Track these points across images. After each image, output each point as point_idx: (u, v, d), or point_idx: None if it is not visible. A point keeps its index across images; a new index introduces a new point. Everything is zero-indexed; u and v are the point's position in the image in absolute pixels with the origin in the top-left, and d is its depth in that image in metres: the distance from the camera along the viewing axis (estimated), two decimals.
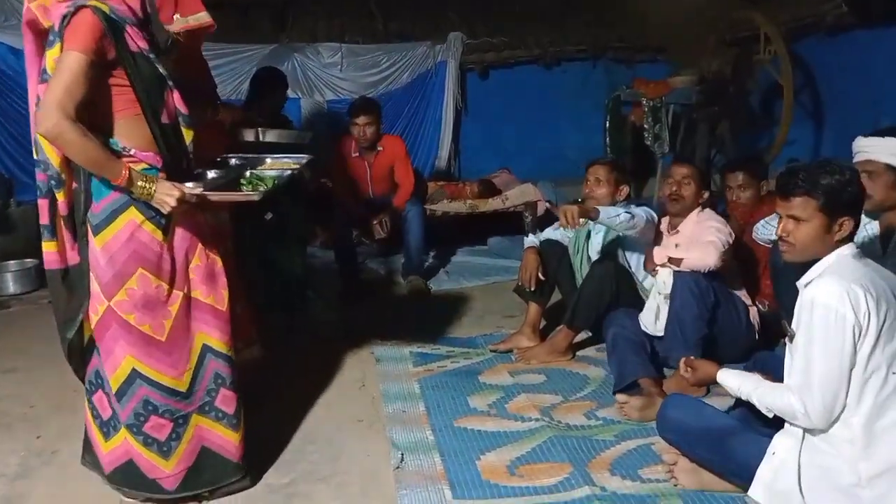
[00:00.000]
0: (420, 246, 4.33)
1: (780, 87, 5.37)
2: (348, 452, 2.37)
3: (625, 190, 3.19)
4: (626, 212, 2.83)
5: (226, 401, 2.10)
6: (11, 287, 4.42)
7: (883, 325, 1.67)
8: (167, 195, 1.84)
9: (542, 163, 6.63)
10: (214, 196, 1.95)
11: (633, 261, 3.09)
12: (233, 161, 2.36)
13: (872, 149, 2.29)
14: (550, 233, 3.37)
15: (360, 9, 6.59)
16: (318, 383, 2.95)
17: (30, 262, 4.50)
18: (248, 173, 2.24)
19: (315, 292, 4.09)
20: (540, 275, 3.18)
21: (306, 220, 4.34)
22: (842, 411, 1.71)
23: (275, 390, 2.86)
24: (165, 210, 1.87)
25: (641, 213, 2.92)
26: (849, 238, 1.80)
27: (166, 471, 2.02)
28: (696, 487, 2.03)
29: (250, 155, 2.42)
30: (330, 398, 2.81)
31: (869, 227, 2.44)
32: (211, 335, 2.07)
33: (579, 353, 3.18)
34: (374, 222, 4.41)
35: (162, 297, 1.97)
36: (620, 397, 2.57)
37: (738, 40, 5.93)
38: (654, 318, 2.80)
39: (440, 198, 5.14)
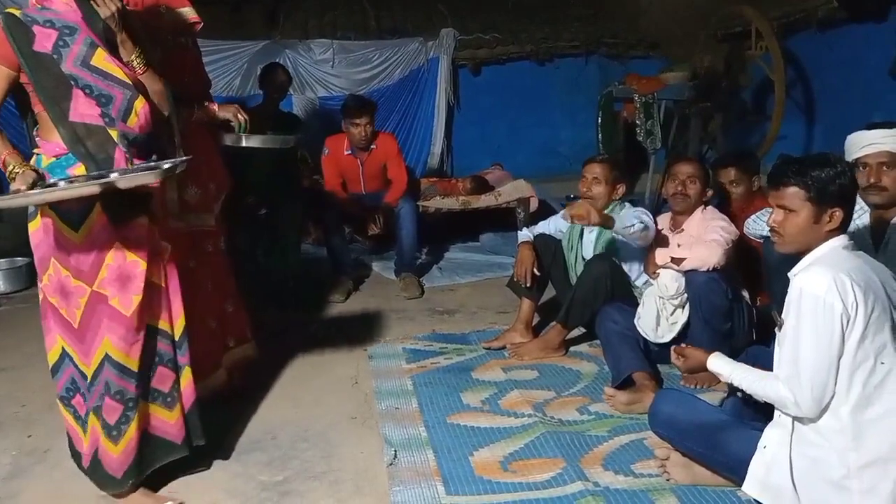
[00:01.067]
0: (413, 243, 4.32)
1: (772, 83, 5.38)
2: (341, 450, 2.37)
3: (621, 189, 3.19)
4: (640, 222, 2.82)
5: (108, 410, 2.04)
6: (2, 286, 4.40)
7: (871, 316, 1.68)
8: (16, 183, 1.92)
9: (535, 159, 6.64)
10: (45, 197, 1.92)
11: (626, 259, 3.09)
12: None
13: (886, 140, 2.29)
14: (543, 227, 3.37)
15: (351, 5, 6.58)
16: (311, 381, 2.95)
17: (20, 260, 4.48)
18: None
19: (308, 290, 4.09)
20: (535, 270, 3.18)
21: (300, 218, 4.34)
22: (830, 400, 1.71)
23: (267, 388, 2.85)
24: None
25: (650, 221, 2.92)
26: (840, 229, 1.81)
27: (114, 455, 2.04)
28: (688, 482, 2.04)
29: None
30: (323, 395, 2.80)
31: (860, 220, 2.45)
32: (110, 339, 2.03)
33: (572, 348, 3.18)
34: (367, 219, 4.41)
35: (69, 287, 2.02)
36: (608, 390, 2.58)
37: (729, 36, 5.94)
38: (654, 325, 2.78)
39: (432, 194, 5.14)
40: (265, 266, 4.13)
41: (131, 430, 2.05)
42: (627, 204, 3.18)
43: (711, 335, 2.68)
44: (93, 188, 1.85)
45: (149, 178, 1.90)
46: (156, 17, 2.49)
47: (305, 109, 6.06)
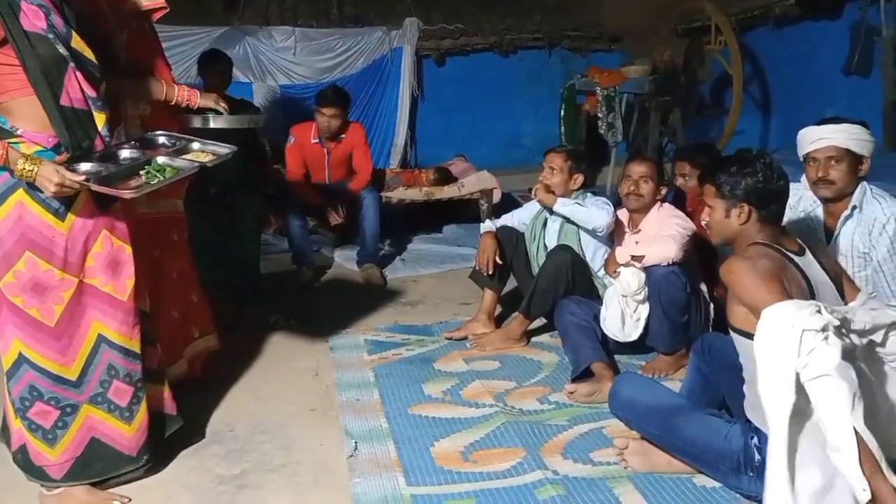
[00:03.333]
0: (375, 234, 4.29)
1: (730, 78, 5.48)
2: (301, 442, 2.34)
3: (579, 179, 3.20)
4: (578, 203, 2.93)
5: (118, 393, 2.04)
6: None
7: None
8: (47, 179, 1.79)
9: (498, 151, 6.67)
10: (93, 187, 1.88)
11: (590, 251, 3.12)
12: (161, 140, 2.27)
13: (835, 135, 2.34)
14: (506, 219, 3.38)
15: None
16: (271, 373, 2.91)
17: None
18: (158, 160, 2.11)
19: (268, 280, 4.04)
20: (497, 259, 3.18)
21: (260, 208, 4.27)
22: None
23: (226, 380, 2.81)
24: (49, 193, 1.82)
25: (595, 207, 2.97)
26: (755, 223, 1.91)
27: (51, 458, 1.97)
28: (645, 470, 2.07)
29: (178, 135, 2.31)
30: (283, 387, 2.77)
31: (813, 213, 2.51)
32: (107, 325, 2.00)
33: (534, 339, 3.20)
34: (330, 209, 4.37)
35: (52, 281, 1.91)
36: (568, 387, 2.60)
37: (689, 31, 6.03)
38: (620, 324, 2.80)
39: (396, 185, 5.11)
40: (225, 257, 4.06)
41: (143, 410, 2.08)
42: (589, 194, 3.21)
43: (670, 327, 2.73)
44: (126, 194, 1.90)
45: (179, 177, 2.08)
46: (122, 1, 2.43)
47: (266, 98, 5.96)
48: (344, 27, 6.34)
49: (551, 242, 3.21)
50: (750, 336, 1.74)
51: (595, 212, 2.98)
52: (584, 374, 2.66)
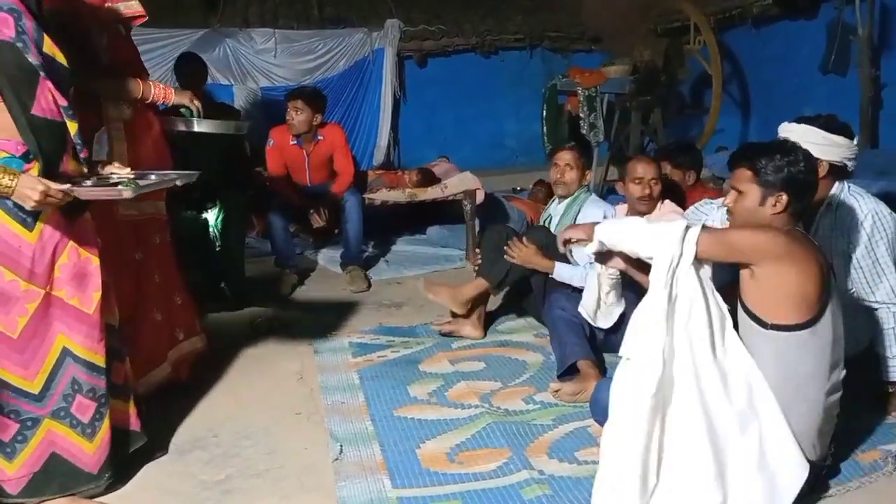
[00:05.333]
0: (359, 235, 4.28)
1: (710, 77, 5.53)
2: (285, 446, 2.33)
3: (589, 175, 3.32)
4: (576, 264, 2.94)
5: (81, 408, 1.99)
6: None
7: None
8: (30, 189, 1.74)
9: (481, 151, 6.67)
10: (83, 192, 1.86)
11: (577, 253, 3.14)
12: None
13: (807, 134, 2.33)
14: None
15: None
16: (255, 376, 2.89)
17: None
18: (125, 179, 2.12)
19: (252, 283, 4.01)
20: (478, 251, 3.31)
21: (242, 211, 4.25)
22: None
23: (209, 384, 2.78)
24: (29, 206, 1.77)
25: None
26: (788, 215, 1.86)
27: (8, 473, 1.91)
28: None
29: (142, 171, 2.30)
30: (267, 391, 2.75)
31: None
32: (73, 339, 1.96)
33: (518, 339, 3.21)
34: (312, 211, 4.34)
35: (16, 292, 1.86)
36: (553, 385, 2.61)
37: (669, 31, 6.08)
38: (594, 307, 2.81)
39: (379, 187, 5.10)
40: (208, 259, 4.02)
41: (105, 427, 2.02)
42: (593, 194, 3.27)
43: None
44: (123, 192, 1.90)
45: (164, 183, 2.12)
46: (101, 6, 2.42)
47: (247, 100, 5.93)
48: (325, 28, 6.31)
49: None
50: (771, 327, 1.78)
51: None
52: (569, 371, 2.66)
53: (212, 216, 3.77)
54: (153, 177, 2.18)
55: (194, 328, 2.81)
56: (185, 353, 2.76)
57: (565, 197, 3.29)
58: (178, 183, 2.18)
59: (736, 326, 1.84)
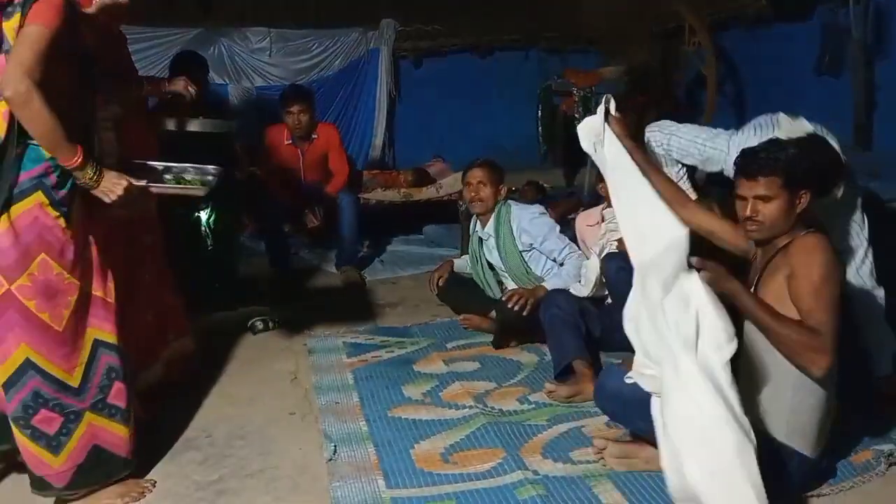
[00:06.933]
0: (354, 235, 4.28)
1: (704, 79, 5.53)
2: (279, 446, 2.32)
3: (503, 189, 3.28)
4: (556, 276, 3.05)
5: (118, 395, 2.05)
6: None
7: None
8: (114, 184, 1.86)
9: (477, 152, 6.58)
10: (157, 188, 1.93)
11: (533, 261, 3.19)
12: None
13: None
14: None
15: None
16: (249, 376, 2.88)
17: None
18: (169, 176, 2.27)
19: (246, 283, 4.00)
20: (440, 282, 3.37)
21: (236, 211, 4.23)
22: None
23: (203, 384, 2.78)
24: (109, 200, 1.88)
25: (569, 257, 3.08)
26: (809, 205, 1.88)
27: (55, 466, 1.93)
28: (624, 470, 2.08)
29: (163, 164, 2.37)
30: (261, 391, 2.74)
31: None
32: (102, 328, 2.02)
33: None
34: (307, 211, 4.34)
35: (62, 285, 1.90)
36: (549, 385, 2.60)
37: (664, 32, 6.08)
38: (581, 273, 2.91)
39: (374, 186, 5.10)
40: (202, 260, 4.01)
41: (133, 409, 2.09)
42: (511, 202, 3.27)
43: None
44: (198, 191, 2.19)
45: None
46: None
47: (242, 99, 5.91)
48: (320, 28, 6.30)
49: (494, 259, 3.25)
50: None
51: (574, 262, 3.06)
52: (566, 371, 2.66)
53: (204, 214, 3.75)
54: (191, 169, 2.30)
55: (184, 329, 2.80)
56: (176, 354, 2.75)
57: (484, 215, 3.25)
58: (214, 177, 2.32)
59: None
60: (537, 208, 3.26)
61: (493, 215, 3.23)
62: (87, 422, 1.98)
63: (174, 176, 2.26)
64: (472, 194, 3.24)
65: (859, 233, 2.33)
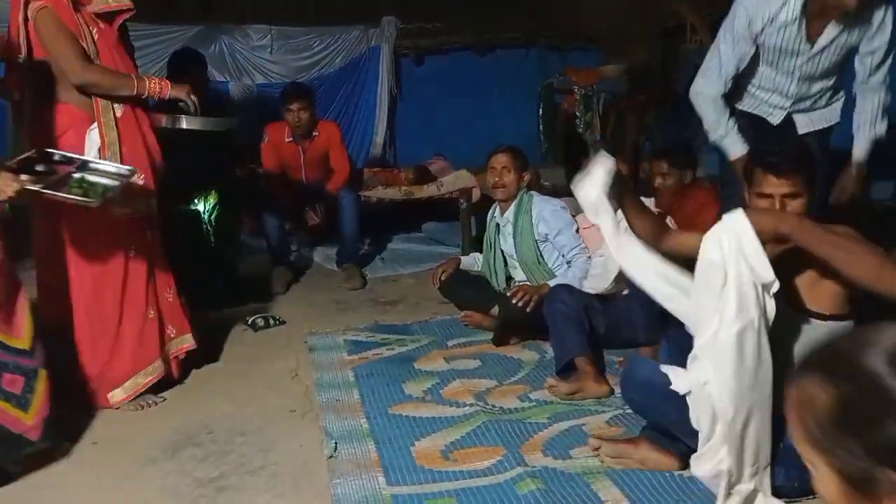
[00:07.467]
0: (355, 233, 4.28)
1: None
2: (280, 443, 2.33)
3: (526, 176, 3.25)
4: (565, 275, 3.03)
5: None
6: None
7: None
8: (7, 185, 1.86)
9: (477, 150, 6.59)
10: (50, 195, 1.94)
11: (547, 251, 3.16)
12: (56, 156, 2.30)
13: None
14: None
15: None
16: (250, 374, 2.88)
17: None
18: (78, 175, 2.24)
19: (246, 281, 4.00)
20: (442, 277, 3.36)
21: (236, 208, 4.24)
22: None
23: (204, 382, 2.78)
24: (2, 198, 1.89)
25: (577, 255, 3.07)
26: None
27: (28, 423, 2.05)
28: (619, 468, 2.07)
29: (73, 155, 2.34)
30: (261, 389, 2.75)
31: None
32: None
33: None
34: (307, 209, 4.34)
35: None
36: (550, 380, 2.60)
37: (665, 31, 6.07)
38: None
39: (375, 184, 5.10)
40: (202, 258, 4.01)
41: None
42: (534, 193, 3.25)
43: (647, 317, 2.71)
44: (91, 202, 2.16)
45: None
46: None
47: (242, 96, 5.91)
48: (321, 25, 6.29)
49: (508, 247, 3.22)
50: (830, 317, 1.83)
51: (581, 264, 3.06)
52: (568, 368, 2.66)
53: (202, 206, 3.75)
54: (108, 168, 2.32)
55: (184, 326, 2.80)
56: (177, 351, 2.76)
57: (505, 201, 3.24)
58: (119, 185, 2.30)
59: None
60: (560, 202, 3.23)
61: (514, 202, 3.21)
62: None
63: (77, 181, 2.22)
64: (496, 179, 3.21)
65: None
